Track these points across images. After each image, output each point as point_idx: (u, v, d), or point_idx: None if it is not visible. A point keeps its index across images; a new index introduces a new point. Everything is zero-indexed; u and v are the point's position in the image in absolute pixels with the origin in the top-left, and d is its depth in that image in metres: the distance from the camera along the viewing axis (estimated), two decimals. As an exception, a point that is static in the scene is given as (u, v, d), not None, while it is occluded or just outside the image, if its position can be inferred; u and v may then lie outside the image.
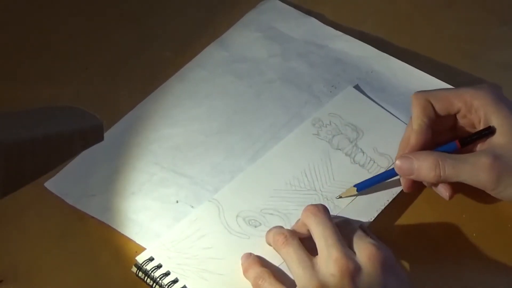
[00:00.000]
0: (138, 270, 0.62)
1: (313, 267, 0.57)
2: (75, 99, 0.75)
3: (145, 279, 0.62)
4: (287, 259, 0.59)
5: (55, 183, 0.68)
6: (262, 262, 0.61)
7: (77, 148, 0.50)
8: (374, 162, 0.68)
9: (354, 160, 0.69)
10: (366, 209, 0.65)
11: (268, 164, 0.69)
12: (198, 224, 0.64)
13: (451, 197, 0.64)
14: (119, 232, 0.65)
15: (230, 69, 0.78)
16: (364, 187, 0.66)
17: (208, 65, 0.78)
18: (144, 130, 0.72)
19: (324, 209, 0.60)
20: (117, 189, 0.68)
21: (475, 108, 0.64)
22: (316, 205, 0.60)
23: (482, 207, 0.66)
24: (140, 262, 0.62)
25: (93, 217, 0.66)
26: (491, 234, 0.65)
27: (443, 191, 0.64)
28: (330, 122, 0.72)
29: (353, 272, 0.55)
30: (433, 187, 0.65)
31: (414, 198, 0.67)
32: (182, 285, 0.61)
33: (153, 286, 0.61)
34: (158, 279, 0.61)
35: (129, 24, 0.83)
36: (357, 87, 0.75)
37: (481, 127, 0.64)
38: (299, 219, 0.61)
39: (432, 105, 0.65)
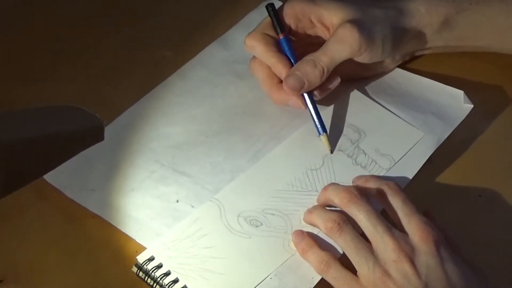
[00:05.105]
0: (138, 270, 0.62)
1: (372, 254, 0.58)
2: (75, 98, 0.75)
3: (146, 279, 0.62)
4: (345, 248, 0.59)
5: (54, 176, 0.67)
6: (319, 243, 0.61)
7: (77, 148, 0.51)
8: (376, 163, 0.68)
9: (355, 162, 0.69)
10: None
11: (269, 165, 0.69)
12: (199, 223, 0.64)
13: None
14: (120, 232, 0.65)
15: (231, 69, 0.77)
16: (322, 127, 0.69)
17: (209, 64, 0.78)
18: (144, 127, 0.72)
19: (360, 195, 0.60)
20: (116, 184, 0.68)
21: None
22: (349, 191, 0.61)
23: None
24: (141, 262, 0.62)
25: (93, 217, 0.66)
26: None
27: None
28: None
29: (411, 256, 0.57)
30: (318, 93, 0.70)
31: (415, 197, 0.67)
32: (182, 285, 0.61)
33: (154, 286, 0.61)
34: (158, 279, 0.61)
35: (129, 23, 0.83)
36: (358, 89, 0.75)
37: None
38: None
39: (267, 35, 0.70)
